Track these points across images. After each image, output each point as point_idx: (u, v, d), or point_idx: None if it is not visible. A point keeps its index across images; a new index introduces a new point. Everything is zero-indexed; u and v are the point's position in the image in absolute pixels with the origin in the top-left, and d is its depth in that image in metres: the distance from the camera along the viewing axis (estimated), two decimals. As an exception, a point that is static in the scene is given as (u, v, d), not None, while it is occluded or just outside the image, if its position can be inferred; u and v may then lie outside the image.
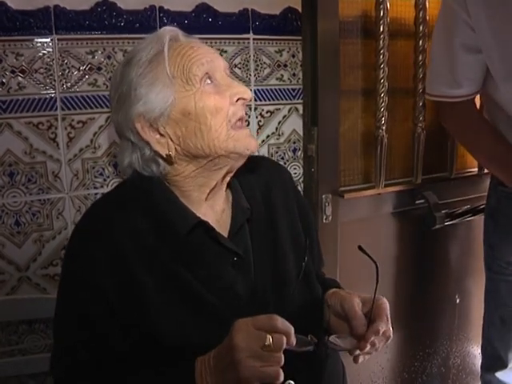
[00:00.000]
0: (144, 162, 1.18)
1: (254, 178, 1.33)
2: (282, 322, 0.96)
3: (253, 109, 1.85)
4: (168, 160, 1.16)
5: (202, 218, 1.18)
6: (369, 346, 1.12)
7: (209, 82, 1.14)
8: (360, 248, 1.22)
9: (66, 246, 1.22)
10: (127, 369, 1.10)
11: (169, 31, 1.17)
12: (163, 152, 1.15)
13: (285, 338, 0.95)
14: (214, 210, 1.25)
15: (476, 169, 2.45)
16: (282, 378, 0.95)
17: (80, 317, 1.13)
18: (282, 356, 0.95)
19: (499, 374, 2.08)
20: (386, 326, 1.14)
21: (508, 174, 1.84)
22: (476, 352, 2.67)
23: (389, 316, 1.17)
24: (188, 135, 1.13)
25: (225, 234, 1.22)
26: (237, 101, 1.15)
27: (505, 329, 2.01)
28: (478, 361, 2.45)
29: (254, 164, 1.31)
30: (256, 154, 1.27)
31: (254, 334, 0.95)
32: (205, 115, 1.11)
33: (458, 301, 2.56)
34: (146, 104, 1.12)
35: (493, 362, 2.09)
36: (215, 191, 1.23)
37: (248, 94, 1.17)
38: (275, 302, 1.18)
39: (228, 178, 1.25)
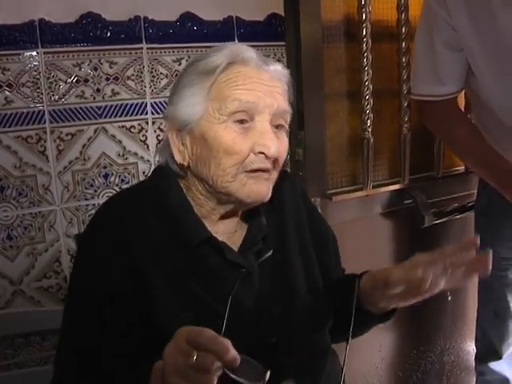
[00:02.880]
0: (171, 160, 1.17)
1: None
2: (208, 338, 0.82)
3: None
4: (181, 168, 1.16)
5: (214, 231, 1.16)
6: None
7: (239, 122, 1.08)
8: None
9: (77, 247, 1.23)
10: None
11: (235, 51, 1.11)
12: (178, 159, 1.14)
13: (211, 358, 0.80)
14: (227, 228, 1.22)
15: (463, 167, 2.46)
16: None
17: (89, 314, 1.12)
18: (213, 380, 0.81)
19: (493, 365, 2.10)
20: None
21: (486, 170, 1.87)
22: (470, 348, 2.67)
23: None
24: (200, 158, 1.11)
25: (236, 246, 1.20)
26: (259, 153, 1.08)
27: (498, 321, 2.03)
28: (472, 356, 2.46)
29: None
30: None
31: (182, 348, 0.84)
32: (217, 150, 1.08)
33: (449, 298, 2.56)
34: (176, 110, 1.12)
35: (487, 353, 2.11)
36: (228, 218, 1.21)
37: (272, 152, 1.08)
38: (281, 314, 1.17)
39: (238, 213, 1.22)
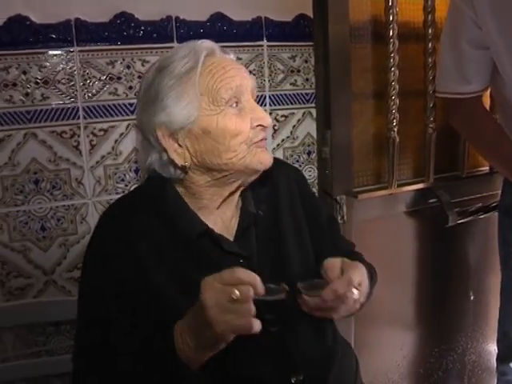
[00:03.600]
0: (162, 165, 1.22)
1: (262, 179, 1.34)
2: (245, 273, 0.98)
3: (268, 114, 1.89)
4: (183, 169, 1.20)
5: (211, 224, 1.22)
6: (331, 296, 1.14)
7: (234, 105, 1.18)
8: None
9: (87, 247, 1.27)
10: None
11: (206, 47, 1.20)
12: (179, 162, 1.19)
13: (251, 289, 0.96)
14: (224, 216, 1.28)
15: (487, 167, 2.46)
16: (256, 328, 0.95)
17: (89, 305, 1.19)
18: (252, 306, 0.96)
19: None
20: (346, 289, 1.15)
21: (510, 169, 1.86)
22: (491, 348, 2.66)
23: (353, 283, 1.17)
24: (205, 151, 1.17)
25: (231, 236, 1.26)
26: (257, 126, 1.19)
27: None
28: (494, 357, 2.45)
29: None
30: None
31: (221, 289, 0.96)
32: (224, 136, 1.16)
33: (472, 298, 2.56)
34: (169, 115, 1.16)
35: (508, 353, 2.11)
36: (227, 201, 1.28)
37: (268, 121, 1.20)
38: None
39: (241, 189, 1.29)
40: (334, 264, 1.22)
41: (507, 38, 1.67)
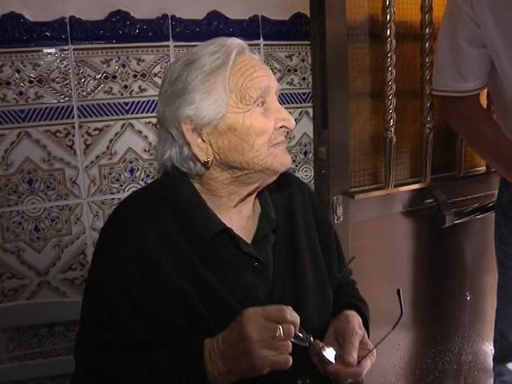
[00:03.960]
0: (182, 159, 1.21)
1: (279, 192, 1.37)
2: (290, 313, 1.02)
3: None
4: (204, 164, 1.19)
5: (228, 223, 1.21)
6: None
7: (260, 104, 1.17)
8: (398, 292, 1.26)
9: (96, 244, 1.25)
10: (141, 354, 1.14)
11: (237, 45, 1.19)
12: (201, 157, 1.17)
13: (293, 328, 1.01)
14: (240, 215, 1.28)
15: (484, 167, 2.46)
16: (290, 363, 1.01)
17: (104, 308, 1.16)
18: (290, 344, 1.02)
19: (511, 366, 2.10)
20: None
21: (506, 167, 1.87)
22: (488, 348, 2.68)
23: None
24: (229, 148, 1.16)
25: (249, 239, 1.26)
26: (280, 127, 1.19)
27: None
28: (490, 357, 2.45)
29: (279, 178, 1.32)
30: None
31: (266, 325, 1.00)
32: (249, 134, 1.15)
33: (468, 298, 2.57)
34: (197, 110, 1.14)
35: (505, 354, 2.11)
36: (245, 201, 1.27)
37: (292, 124, 1.21)
38: (290, 306, 1.20)
39: (258, 190, 1.28)
40: (352, 340, 1.19)
41: (506, 37, 1.67)
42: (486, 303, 2.60)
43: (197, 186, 1.24)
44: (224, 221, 1.21)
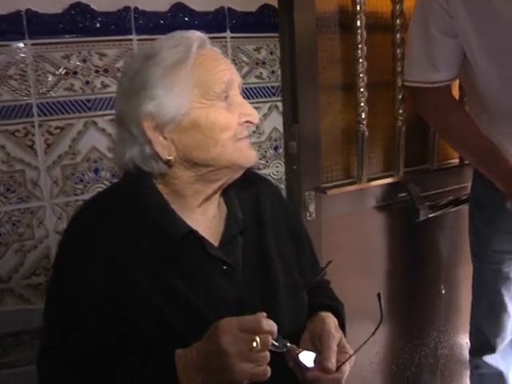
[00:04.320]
0: (144, 158, 1.16)
1: (245, 192, 1.33)
2: (266, 323, 0.98)
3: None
4: (167, 163, 1.14)
5: (194, 224, 1.17)
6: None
7: (223, 99, 1.14)
8: (378, 296, 1.24)
9: (57, 250, 1.20)
10: (110, 363, 1.09)
11: (198, 38, 1.15)
12: (163, 155, 1.13)
13: (270, 338, 0.98)
14: (205, 215, 1.24)
15: (457, 160, 2.46)
16: (269, 374, 0.98)
17: (69, 314, 1.11)
18: (268, 354, 0.98)
19: (487, 358, 2.10)
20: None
21: (477, 157, 1.87)
22: (463, 341, 2.69)
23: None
24: (193, 145, 1.12)
25: (216, 241, 1.22)
26: (244, 122, 1.16)
27: (492, 315, 2.03)
28: (466, 350, 2.47)
29: (245, 177, 1.29)
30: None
31: (242, 337, 0.97)
32: (214, 130, 1.11)
33: (443, 291, 2.57)
34: (158, 106, 1.10)
35: (481, 347, 2.12)
36: (209, 200, 1.23)
37: (257, 119, 1.19)
38: (262, 310, 1.16)
39: (223, 188, 1.24)
40: (330, 343, 1.15)
41: (478, 27, 1.65)
42: (461, 296, 2.60)
43: (160, 186, 1.19)
44: (189, 223, 1.17)
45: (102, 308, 1.08)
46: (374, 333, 1.15)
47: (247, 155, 1.17)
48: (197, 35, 1.16)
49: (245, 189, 1.33)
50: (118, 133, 1.21)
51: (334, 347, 1.13)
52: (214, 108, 1.12)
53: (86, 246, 1.12)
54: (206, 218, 1.23)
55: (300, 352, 1.11)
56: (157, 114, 1.10)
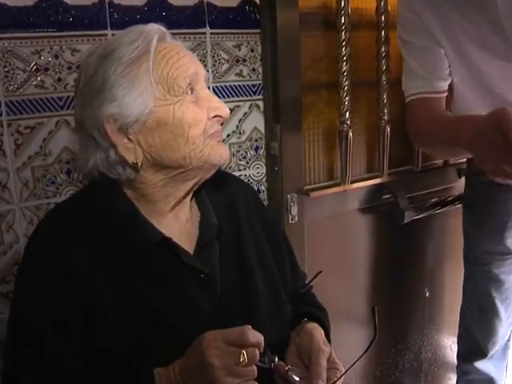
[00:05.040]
0: (109, 165, 1.10)
1: (219, 194, 1.30)
2: (253, 335, 0.95)
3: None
4: (134, 167, 1.09)
5: (165, 231, 1.12)
6: None
7: (189, 92, 1.09)
8: (373, 311, 1.20)
9: (18, 266, 1.15)
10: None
11: (157, 30, 1.09)
12: (129, 159, 1.07)
13: (257, 351, 0.95)
14: (178, 220, 1.19)
15: (442, 160, 2.44)
16: None
17: (30, 335, 1.05)
18: (255, 368, 0.95)
19: (478, 364, 2.07)
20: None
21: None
22: (447, 344, 2.70)
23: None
24: (161, 145, 1.07)
25: (190, 248, 1.17)
26: (214, 117, 1.11)
27: (483, 318, 2.00)
28: (449, 352, 2.47)
29: (217, 179, 1.26)
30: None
31: (228, 350, 0.93)
32: (182, 127, 1.06)
33: (427, 294, 2.56)
34: (120, 107, 1.04)
35: (471, 352, 2.08)
36: (181, 203, 1.18)
37: (226, 112, 1.14)
38: (242, 320, 1.11)
39: (194, 189, 1.20)
40: (319, 360, 1.11)
41: (449, 39, 1.61)
42: (445, 300, 2.60)
43: (129, 192, 1.13)
44: (161, 229, 1.11)
45: (67, 327, 1.03)
46: (367, 349, 1.12)
47: (219, 152, 1.13)
48: (156, 27, 1.10)
49: (218, 190, 1.29)
50: (79, 140, 1.15)
51: (324, 363, 1.09)
52: (180, 103, 1.07)
53: (48, 259, 1.06)
54: (178, 224, 1.18)
55: (289, 369, 1.07)
56: (119, 116, 1.04)
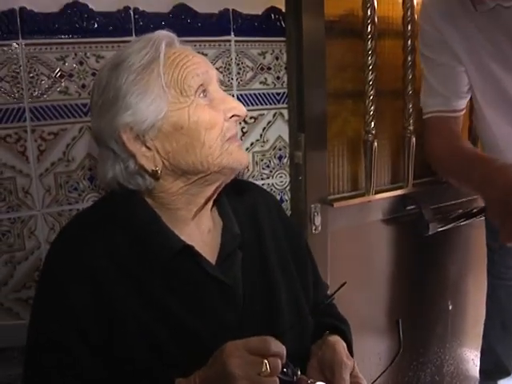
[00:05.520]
0: (128, 175, 1.10)
1: (240, 202, 1.28)
2: (275, 345, 0.94)
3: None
4: (154, 175, 1.08)
5: (188, 239, 1.11)
6: None
7: (202, 95, 1.08)
8: (397, 323, 1.19)
9: (39, 272, 1.15)
10: None
11: (165, 36, 1.10)
12: (149, 167, 1.07)
13: (280, 361, 0.94)
14: (199, 229, 1.18)
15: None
16: None
17: (51, 343, 1.05)
18: (277, 380, 0.94)
19: (502, 382, 2.02)
20: None
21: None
22: (469, 358, 2.67)
23: None
24: (179, 151, 1.06)
25: (212, 258, 1.16)
26: (231, 117, 1.10)
27: (507, 334, 1.98)
28: (472, 367, 2.44)
29: (239, 188, 1.26)
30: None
31: (250, 360, 0.92)
32: (198, 130, 1.05)
33: (450, 307, 2.54)
34: (135, 114, 1.04)
35: (495, 370, 2.05)
36: (203, 211, 1.17)
37: (243, 110, 1.12)
38: (265, 330, 1.09)
39: (215, 195, 1.18)
40: (343, 374, 1.10)
41: (471, 56, 1.61)
42: (469, 313, 2.57)
43: (149, 201, 1.13)
44: (183, 237, 1.10)
45: (89, 335, 1.03)
46: (390, 364, 1.09)
47: (238, 157, 1.11)
48: (164, 33, 1.11)
49: (240, 200, 1.28)
50: (99, 154, 1.15)
51: (347, 378, 1.09)
52: (194, 106, 1.06)
53: (69, 266, 1.06)
54: (200, 233, 1.18)
55: (312, 383, 1.06)
56: (134, 124, 1.04)
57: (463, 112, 1.74)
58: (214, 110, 1.08)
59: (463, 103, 1.72)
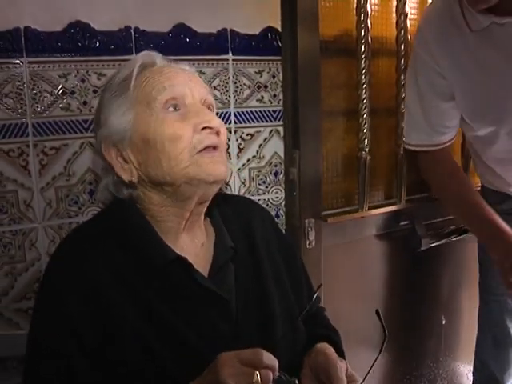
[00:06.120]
0: (113, 185, 1.17)
1: (234, 216, 1.30)
2: (267, 357, 0.95)
3: (233, 132, 1.81)
4: (131, 186, 1.14)
5: (181, 252, 1.13)
6: None
7: (172, 109, 1.10)
8: (377, 313, 1.21)
9: (39, 283, 1.17)
10: None
11: (142, 56, 1.16)
12: (126, 177, 1.13)
13: (271, 373, 0.94)
14: (193, 243, 1.21)
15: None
16: None
17: (48, 351, 1.07)
18: None
19: None
20: None
21: (473, 224, 1.83)
22: (463, 372, 2.65)
23: None
24: (148, 163, 1.10)
25: (205, 271, 1.18)
26: (203, 129, 1.09)
27: (499, 349, 1.99)
28: (466, 381, 2.44)
29: (233, 202, 1.29)
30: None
31: (242, 371, 0.93)
32: (162, 143, 1.07)
33: (444, 322, 2.53)
34: (108, 127, 1.11)
35: (487, 383, 2.06)
36: (192, 222, 1.19)
37: (214, 122, 1.11)
38: (259, 343, 1.12)
39: (203, 209, 1.21)
40: (339, 374, 1.11)
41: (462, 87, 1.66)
42: (462, 327, 2.57)
43: (144, 213, 1.17)
44: (176, 250, 1.13)
45: (84, 338, 1.05)
46: (380, 351, 1.12)
47: (208, 169, 1.09)
48: (144, 53, 1.18)
49: (234, 213, 1.30)
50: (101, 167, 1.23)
51: (344, 377, 1.10)
52: (160, 119, 1.08)
53: (67, 277, 1.08)
54: (194, 246, 1.20)
55: None
56: (108, 135, 1.11)
57: (448, 144, 1.80)
58: (183, 124, 1.08)
59: (446, 137, 1.77)
